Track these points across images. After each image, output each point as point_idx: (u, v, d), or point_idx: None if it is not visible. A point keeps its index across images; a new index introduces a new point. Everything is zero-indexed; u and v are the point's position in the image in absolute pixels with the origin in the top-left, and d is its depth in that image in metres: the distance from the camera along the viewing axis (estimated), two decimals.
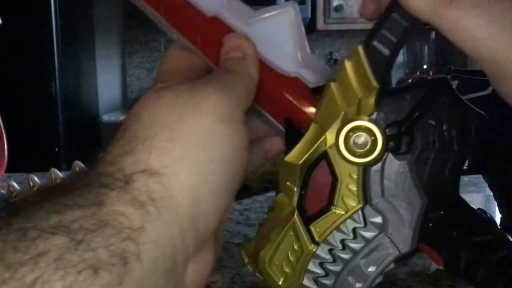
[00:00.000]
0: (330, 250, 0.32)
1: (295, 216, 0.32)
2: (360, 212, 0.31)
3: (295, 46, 0.34)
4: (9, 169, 0.82)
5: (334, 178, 0.31)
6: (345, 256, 0.32)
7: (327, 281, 0.32)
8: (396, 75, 2.26)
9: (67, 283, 0.22)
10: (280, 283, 0.33)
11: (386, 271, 0.32)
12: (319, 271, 0.32)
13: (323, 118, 0.31)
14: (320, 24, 2.60)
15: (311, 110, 0.32)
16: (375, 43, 0.31)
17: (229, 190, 0.29)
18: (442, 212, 0.31)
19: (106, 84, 2.89)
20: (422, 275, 0.53)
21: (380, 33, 0.31)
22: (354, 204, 0.31)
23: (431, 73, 2.24)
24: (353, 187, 0.31)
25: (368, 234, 0.31)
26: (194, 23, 0.34)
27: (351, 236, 0.31)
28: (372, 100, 0.30)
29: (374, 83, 0.30)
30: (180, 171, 0.27)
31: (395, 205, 0.31)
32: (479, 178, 0.30)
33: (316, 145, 0.31)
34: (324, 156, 0.31)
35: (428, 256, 0.33)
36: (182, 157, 0.28)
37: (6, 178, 0.83)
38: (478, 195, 0.86)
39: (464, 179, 0.85)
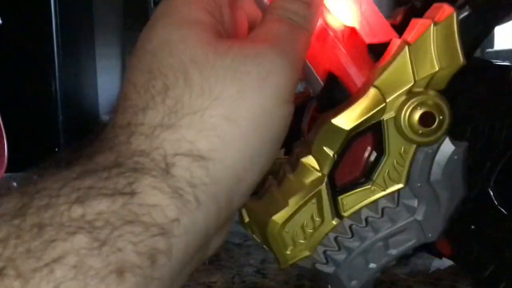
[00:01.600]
0: (351, 226, 0.29)
1: (324, 184, 0.29)
2: (397, 194, 0.29)
3: None
4: (9, 169, 0.81)
5: (380, 152, 0.28)
6: (366, 234, 0.29)
7: (338, 256, 0.30)
8: None
9: None
10: (288, 252, 0.30)
11: (403, 255, 0.30)
12: (333, 245, 0.30)
13: (387, 84, 0.28)
14: None
15: (363, 68, 0.29)
16: (470, 14, 0.27)
17: (269, 166, 0.27)
18: (469, 205, 0.29)
19: (106, 84, 2.89)
20: (422, 275, 0.53)
21: (477, 5, 0.28)
22: (396, 184, 0.29)
23: None
24: (400, 166, 0.28)
25: (397, 216, 0.29)
26: None
27: (379, 215, 0.29)
28: (448, 76, 0.27)
29: (460, 59, 0.27)
30: (229, 155, 0.25)
31: (437, 192, 0.28)
32: None
33: (372, 112, 0.28)
34: (376, 126, 0.28)
35: (436, 244, 0.32)
36: (234, 140, 0.25)
37: (6, 178, 0.82)
38: None
39: None
